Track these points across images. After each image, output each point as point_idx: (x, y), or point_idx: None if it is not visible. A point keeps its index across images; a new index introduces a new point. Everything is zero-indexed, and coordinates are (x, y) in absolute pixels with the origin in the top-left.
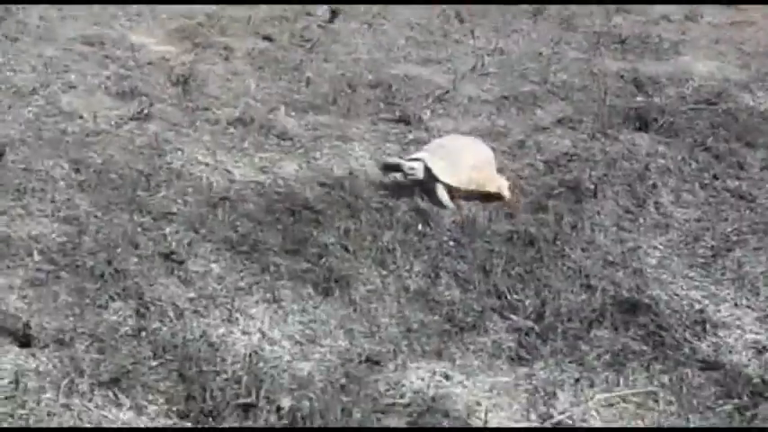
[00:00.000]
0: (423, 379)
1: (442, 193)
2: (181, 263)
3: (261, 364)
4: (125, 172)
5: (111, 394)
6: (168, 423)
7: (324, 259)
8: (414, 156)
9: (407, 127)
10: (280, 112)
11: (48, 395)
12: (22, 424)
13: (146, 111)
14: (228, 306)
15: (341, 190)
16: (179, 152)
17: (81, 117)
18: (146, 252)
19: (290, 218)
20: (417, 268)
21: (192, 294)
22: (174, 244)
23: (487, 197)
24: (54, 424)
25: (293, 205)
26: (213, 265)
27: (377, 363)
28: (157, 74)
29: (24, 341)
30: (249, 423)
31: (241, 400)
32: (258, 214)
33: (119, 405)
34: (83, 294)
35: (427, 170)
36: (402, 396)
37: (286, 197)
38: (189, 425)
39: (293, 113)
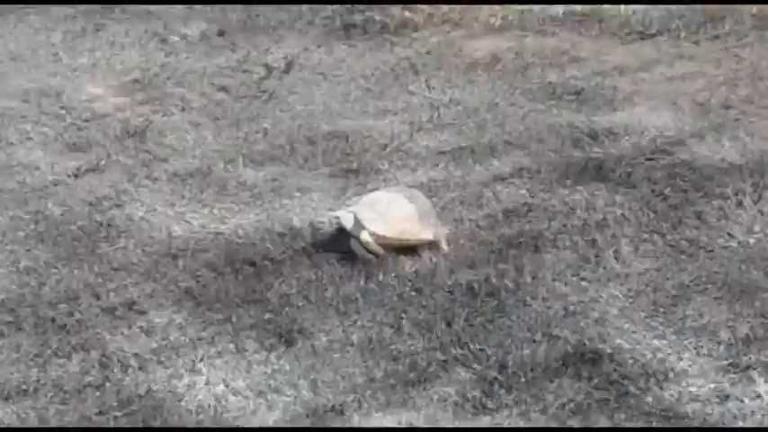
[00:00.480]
0: (388, 429)
1: (365, 241)
2: (143, 313)
3: (225, 415)
4: (85, 223)
5: None
6: None
7: (286, 309)
8: (347, 209)
9: (366, 177)
10: (238, 164)
11: None
12: None
13: (103, 162)
14: (192, 356)
15: (301, 240)
16: (138, 203)
17: (38, 168)
18: (107, 303)
19: (251, 268)
20: (380, 318)
21: (154, 345)
22: (135, 295)
23: (423, 245)
24: None
25: (254, 255)
26: (175, 316)
27: (341, 413)
28: (114, 125)
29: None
30: None
31: None
32: (219, 264)
33: None
34: (46, 345)
35: (356, 220)
36: None
37: (246, 247)
38: None
39: (251, 164)
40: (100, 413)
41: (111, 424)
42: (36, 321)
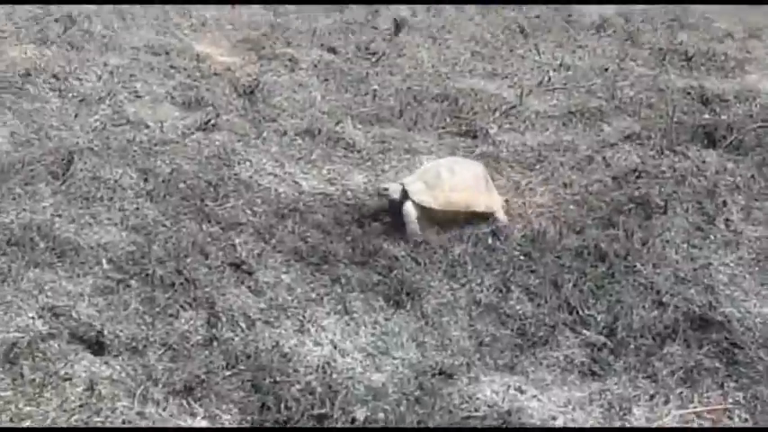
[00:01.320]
0: (497, 392)
1: (410, 215)
2: (251, 273)
3: (334, 376)
4: (193, 182)
5: (185, 403)
6: None
7: (394, 271)
8: (400, 180)
9: (474, 141)
10: (347, 125)
11: (122, 403)
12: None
13: (212, 121)
14: (300, 317)
15: None
16: (247, 163)
17: (147, 126)
18: (215, 262)
19: (359, 229)
20: (488, 282)
21: (262, 305)
22: (243, 254)
23: (477, 218)
24: None
25: (362, 217)
26: (284, 276)
27: (450, 376)
28: (223, 84)
29: (97, 349)
30: None
31: (315, 411)
32: (327, 225)
33: (193, 414)
34: (153, 303)
35: (404, 192)
36: (477, 409)
37: (355, 208)
38: None
39: (360, 126)
40: (207, 372)
41: (220, 383)
42: (144, 279)
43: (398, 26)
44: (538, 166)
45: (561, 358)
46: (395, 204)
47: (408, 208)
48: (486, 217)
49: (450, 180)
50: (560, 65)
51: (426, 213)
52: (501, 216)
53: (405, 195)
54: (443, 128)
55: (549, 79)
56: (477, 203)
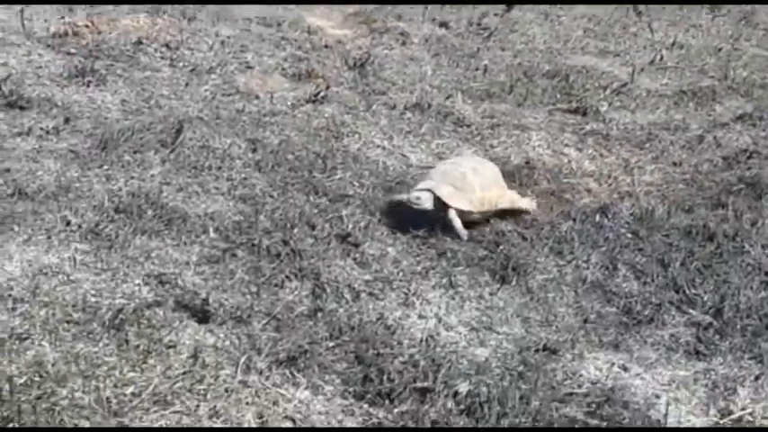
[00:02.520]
0: (600, 370)
1: (456, 221)
2: (357, 245)
3: (438, 349)
4: (302, 153)
5: (288, 373)
6: (344, 404)
7: (501, 247)
8: (420, 186)
9: (584, 118)
10: (456, 99)
11: (226, 371)
12: (200, 400)
13: (322, 93)
14: (405, 290)
15: (518, 178)
16: (356, 135)
17: (257, 97)
18: (322, 233)
19: None
20: (595, 259)
21: (368, 277)
22: (350, 226)
23: (508, 213)
24: (232, 401)
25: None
26: (389, 249)
27: (554, 352)
28: (334, 57)
29: (202, 317)
30: (426, 407)
31: (418, 384)
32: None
33: (296, 384)
34: (259, 273)
35: (436, 198)
36: (580, 386)
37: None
38: (365, 406)
39: (469, 101)
40: (312, 343)
41: (323, 353)
42: (251, 249)
43: (511, 2)
44: (648, 145)
45: (666, 337)
46: (427, 213)
47: (453, 215)
48: (512, 211)
49: (477, 180)
50: (673, 44)
51: (463, 217)
52: (523, 205)
53: (439, 201)
54: (553, 104)
55: (662, 58)
56: (504, 200)
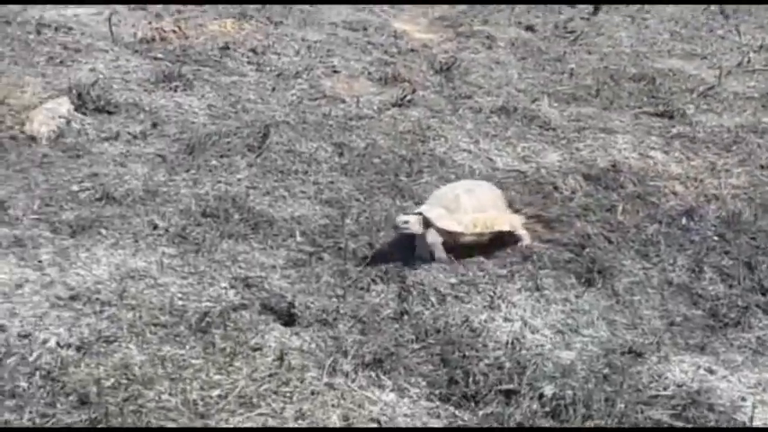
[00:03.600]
0: (686, 372)
1: (436, 242)
2: None
3: (523, 352)
4: (388, 157)
5: (373, 375)
6: (430, 406)
7: (586, 250)
8: (413, 211)
9: (671, 121)
10: (543, 103)
11: (311, 374)
12: (286, 402)
13: (408, 97)
14: (490, 293)
15: (604, 182)
16: (442, 139)
17: (344, 101)
18: None
19: (552, 206)
20: (681, 262)
21: (453, 280)
22: None
23: (502, 238)
24: (317, 403)
25: (556, 196)
26: (474, 252)
27: (639, 354)
28: (420, 61)
29: (288, 320)
30: (511, 409)
31: (503, 386)
32: (519, 203)
33: (381, 386)
34: (345, 276)
35: (425, 221)
36: (665, 388)
37: (548, 187)
38: (450, 408)
39: (555, 104)
40: (397, 345)
41: (408, 356)
42: (337, 252)
43: (597, 6)
44: (734, 148)
45: (753, 340)
46: (416, 238)
47: (433, 236)
48: (510, 236)
49: (471, 201)
50: (761, 46)
51: (451, 238)
52: (523, 233)
53: (426, 224)
54: (640, 108)
55: (749, 60)
56: (502, 222)
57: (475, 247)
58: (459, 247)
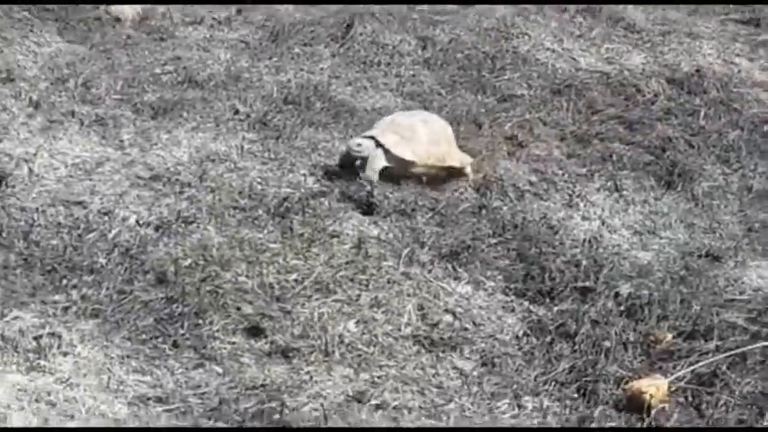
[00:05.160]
0: (763, 278)
1: (377, 160)
2: (522, 145)
3: (600, 250)
4: (471, 52)
5: (450, 267)
6: (505, 300)
7: (667, 153)
8: (363, 134)
9: (757, 29)
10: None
11: (388, 263)
12: (362, 289)
13: None
14: (569, 191)
15: (687, 86)
16: (525, 36)
17: None
18: (488, 132)
19: (634, 108)
20: (761, 169)
21: (532, 177)
22: (516, 125)
23: (449, 173)
24: (393, 292)
25: (636, 96)
26: (555, 151)
27: (717, 258)
28: None
29: (367, 209)
30: (586, 306)
31: (579, 284)
32: (601, 104)
33: (457, 278)
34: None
35: (379, 146)
36: (742, 293)
37: (630, 89)
38: (525, 303)
39: (641, 7)
40: (474, 239)
41: (485, 250)
42: None
43: None
44: None
45: None
46: (366, 160)
47: (378, 154)
48: (458, 173)
49: (426, 132)
50: None
51: (403, 167)
52: (470, 172)
53: (381, 149)
54: (726, 14)
55: None
56: (453, 158)
57: (422, 178)
58: (406, 177)
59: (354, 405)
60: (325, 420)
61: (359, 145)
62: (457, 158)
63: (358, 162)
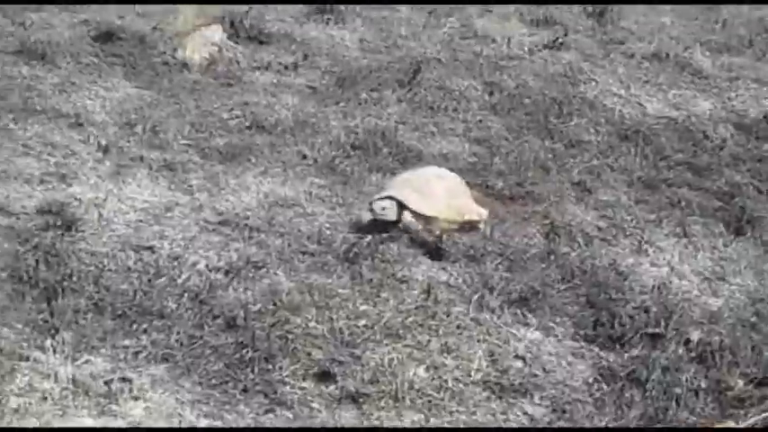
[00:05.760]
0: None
1: (410, 220)
2: (590, 191)
3: (669, 297)
4: (538, 98)
5: (519, 313)
6: (575, 346)
7: (736, 198)
8: (380, 195)
9: None
10: (695, 51)
11: (458, 308)
12: (431, 335)
13: (560, 40)
14: (638, 237)
15: (756, 131)
16: (593, 82)
17: (495, 41)
18: (555, 178)
19: (703, 154)
20: None
21: (601, 223)
22: (584, 172)
23: (467, 226)
24: (463, 337)
25: (704, 142)
26: (623, 197)
27: None
28: (573, 5)
29: (435, 254)
30: (656, 353)
31: (649, 330)
32: (668, 150)
33: (527, 324)
34: (492, 214)
35: (400, 206)
36: None
37: (697, 135)
38: (596, 350)
39: (707, 53)
40: (543, 284)
41: (554, 295)
42: (485, 191)
43: None
44: None
45: None
46: (391, 225)
47: (408, 219)
48: (474, 225)
49: (444, 188)
50: None
51: (425, 223)
52: (484, 224)
53: (401, 207)
54: None
55: None
56: (471, 210)
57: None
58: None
59: None
60: None
61: (383, 209)
62: (475, 211)
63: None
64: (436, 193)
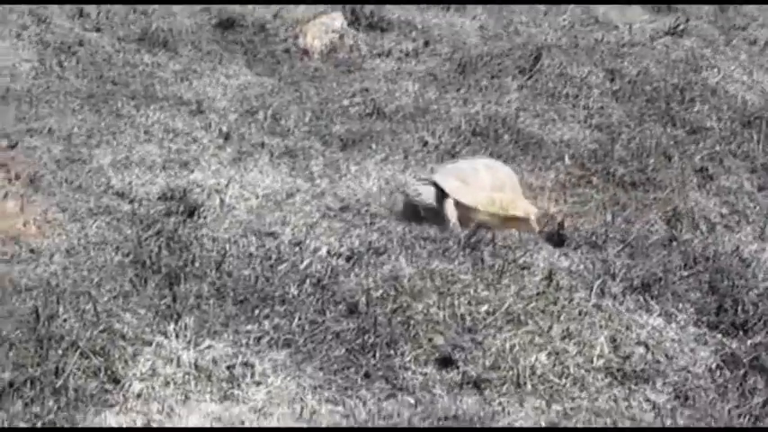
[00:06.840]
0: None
1: (451, 210)
2: (713, 178)
3: None
4: (659, 85)
5: (641, 299)
6: (697, 332)
7: None
8: (423, 177)
9: None
10: None
11: (579, 294)
12: (553, 321)
13: (681, 26)
14: (761, 224)
15: None
16: (714, 69)
17: (616, 28)
18: (677, 164)
19: None
20: None
21: (723, 210)
22: (706, 159)
23: (513, 222)
24: (585, 323)
25: None
26: (745, 183)
27: None
28: None
29: (558, 241)
30: None
31: None
32: None
33: (649, 311)
34: (614, 200)
35: (440, 191)
36: None
37: None
38: (719, 336)
39: None
40: (665, 271)
41: (676, 282)
42: (605, 177)
43: None
44: None
45: None
46: (430, 210)
47: (449, 205)
48: (522, 223)
49: (490, 178)
50: None
51: (464, 213)
52: (534, 224)
53: (442, 194)
54: None
55: None
56: (517, 207)
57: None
58: (468, 224)
59: None
60: None
61: (418, 193)
62: (521, 208)
63: (422, 213)
64: (481, 185)
